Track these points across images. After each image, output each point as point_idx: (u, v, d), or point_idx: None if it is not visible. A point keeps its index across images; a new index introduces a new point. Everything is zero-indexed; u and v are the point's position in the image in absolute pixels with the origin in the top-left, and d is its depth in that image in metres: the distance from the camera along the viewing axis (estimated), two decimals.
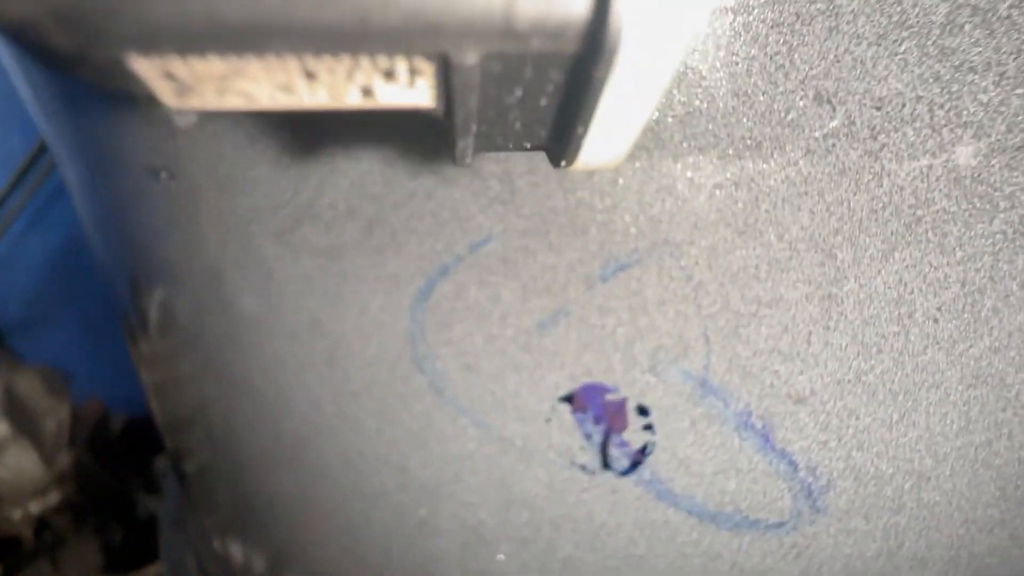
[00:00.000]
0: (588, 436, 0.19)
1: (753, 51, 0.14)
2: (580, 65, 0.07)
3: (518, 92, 0.08)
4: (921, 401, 0.18)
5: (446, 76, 0.08)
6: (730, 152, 0.15)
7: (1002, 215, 0.16)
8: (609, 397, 0.18)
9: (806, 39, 0.14)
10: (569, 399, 0.19)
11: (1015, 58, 0.14)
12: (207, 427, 0.30)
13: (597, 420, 0.18)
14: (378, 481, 0.23)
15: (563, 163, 0.10)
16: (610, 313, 0.17)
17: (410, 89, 0.08)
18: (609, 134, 0.09)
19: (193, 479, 0.36)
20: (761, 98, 0.15)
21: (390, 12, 0.06)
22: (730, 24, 0.14)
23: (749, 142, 0.15)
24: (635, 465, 0.19)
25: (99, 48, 0.07)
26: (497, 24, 0.07)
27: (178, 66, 0.08)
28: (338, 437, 0.23)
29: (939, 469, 0.19)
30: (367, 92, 0.09)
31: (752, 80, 0.15)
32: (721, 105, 0.15)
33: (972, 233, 0.16)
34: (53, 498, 0.97)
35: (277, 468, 0.26)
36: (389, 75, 0.08)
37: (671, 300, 0.17)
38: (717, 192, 0.16)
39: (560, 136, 0.09)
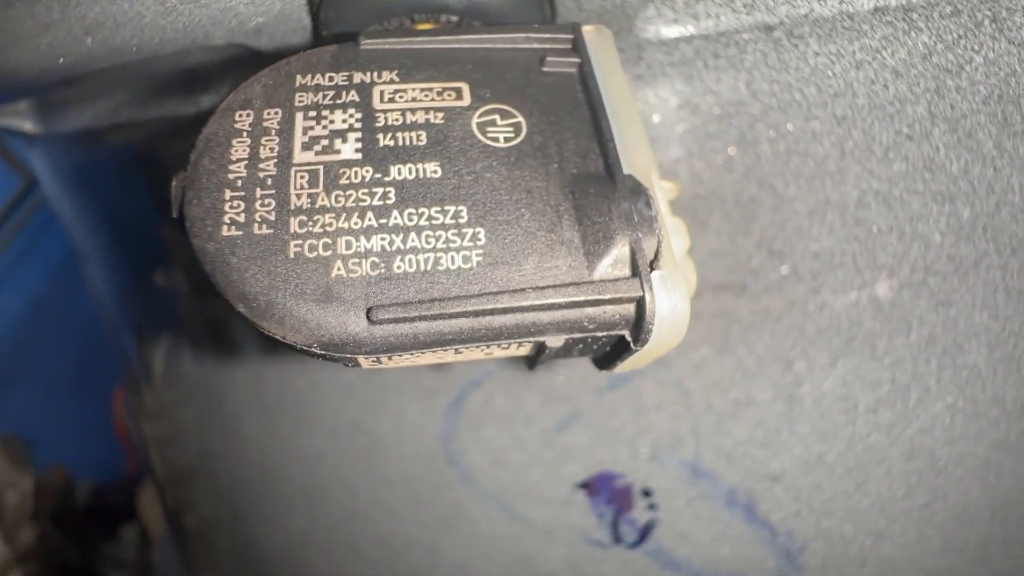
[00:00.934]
0: (601, 516, 0.23)
1: (724, 223, 0.19)
2: (624, 340, 0.12)
3: (579, 347, 0.13)
4: (871, 474, 0.23)
5: (540, 348, 0.13)
6: (708, 293, 0.20)
7: (915, 331, 0.21)
8: (618, 483, 0.22)
9: (760, 213, 0.19)
10: (584, 485, 0.22)
11: (911, 223, 0.19)
12: (211, 480, 0.32)
13: (608, 502, 0.22)
14: (411, 560, 0.26)
15: (603, 371, 0.15)
16: (616, 415, 0.22)
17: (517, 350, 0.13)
18: (637, 361, 0.13)
19: (193, 535, 0.38)
20: (730, 255, 0.20)
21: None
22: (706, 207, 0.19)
23: (722, 285, 0.20)
24: (642, 539, 0.23)
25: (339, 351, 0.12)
26: (580, 327, 0.11)
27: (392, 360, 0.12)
28: (373, 521, 0.26)
29: (892, 528, 0.24)
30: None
31: (722, 242, 0.20)
32: (703, 260, 0.20)
33: (895, 344, 0.21)
34: None
35: (308, 548, 0.29)
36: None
37: (666, 403, 0.21)
38: (699, 321, 0.20)
39: (605, 363, 0.14)
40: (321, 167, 0.12)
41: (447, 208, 0.12)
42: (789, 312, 0.21)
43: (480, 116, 0.13)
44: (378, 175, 0.13)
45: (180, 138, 0.22)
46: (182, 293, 0.30)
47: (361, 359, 0.13)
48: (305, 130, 0.13)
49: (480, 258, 0.12)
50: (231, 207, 0.12)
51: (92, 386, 1.16)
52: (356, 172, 0.13)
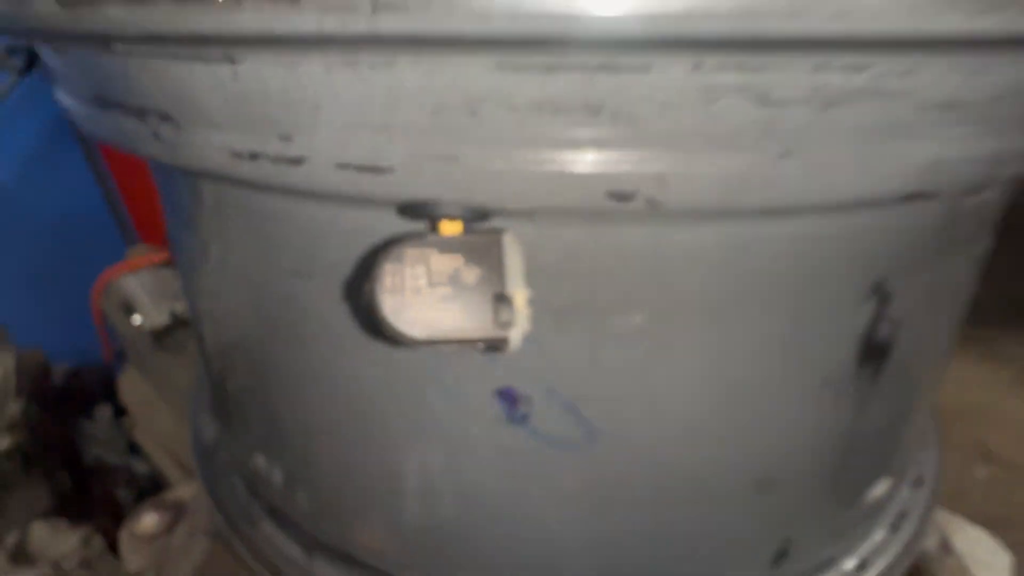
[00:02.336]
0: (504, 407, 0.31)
1: None
2: None
3: None
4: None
5: None
6: None
7: None
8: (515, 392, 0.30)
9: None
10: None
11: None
12: (250, 358, 0.37)
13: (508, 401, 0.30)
14: (382, 433, 0.34)
15: None
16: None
17: None
18: None
19: (232, 399, 0.42)
20: None
21: None
22: None
23: None
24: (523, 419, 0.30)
25: None
26: None
27: None
28: (357, 411, 0.34)
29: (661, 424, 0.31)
30: None
31: None
32: None
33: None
34: (3, 443, 1.02)
35: (314, 428, 0.37)
36: None
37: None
38: None
39: None
40: None
41: None
42: None
43: None
44: None
45: None
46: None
47: None
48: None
49: None
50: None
51: (66, 278, 1.21)
52: None
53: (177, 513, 0.48)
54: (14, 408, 1.04)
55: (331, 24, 0.14)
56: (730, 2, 0.13)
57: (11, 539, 1.11)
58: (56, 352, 1.37)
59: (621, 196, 0.16)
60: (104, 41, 0.20)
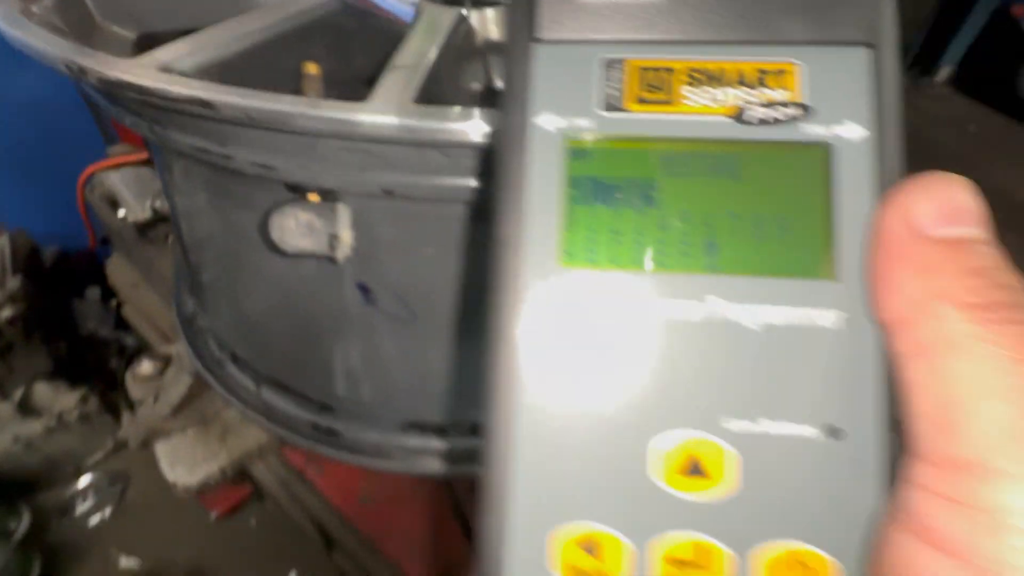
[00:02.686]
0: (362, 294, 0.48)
1: None
2: None
3: None
4: None
5: None
6: None
7: None
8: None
9: None
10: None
11: None
12: (216, 258, 0.52)
13: (363, 290, 0.48)
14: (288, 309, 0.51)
15: None
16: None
17: None
18: None
19: (205, 285, 0.56)
20: None
21: None
22: None
23: None
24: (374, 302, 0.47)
25: None
26: None
27: None
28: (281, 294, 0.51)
29: None
30: None
31: None
32: None
33: None
34: (4, 314, 1.18)
35: (265, 315, 0.53)
36: None
37: None
38: None
39: None
40: None
41: None
42: None
43: None
44: None
45: None
46: None
47: None
48: None
49: None
50: None
51: (49, 168, 1.30)
52: None
53: (167, 361, 0.66)
54: (13, 283, 1.19)
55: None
56: None
57: (17, 394, 1.31)
58: (42, 237, 1.49)
59: (388, 191, 0.31)
60: None
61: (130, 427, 0.73)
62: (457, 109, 0.23)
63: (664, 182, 0.17)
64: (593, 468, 0.16)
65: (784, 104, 0.16)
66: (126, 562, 1.32)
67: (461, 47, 0.36)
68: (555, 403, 0.16)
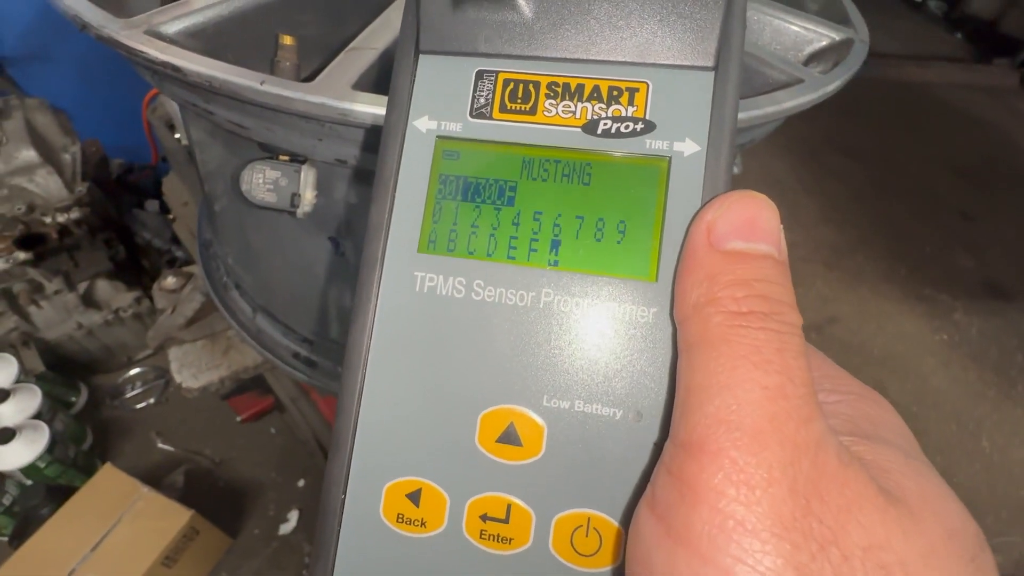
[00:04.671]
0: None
1: None
2: None
3: None
4: None
5: None
6: None
7: None
8: None
9: None
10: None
11: None
12: (226, 191, 0.57)
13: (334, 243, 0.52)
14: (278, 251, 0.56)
15: None
16: None
17: None
18: None
19: (216, 215, 0.64)
20: None
21: None
22: None
23: None
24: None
25: None
26: None
27: None
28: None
29: None
30: None
31: None
32: None
33: None
34: (73, 215, 1.29)
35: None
36: None
37: None
38: None
39: None
40: None
41: None
42: None
43: None
44: None
45: None
46: None
47: None
48: None
49: None
50: None
51: (122, 82, 1.37)
52: None
53: (187, 278, 0.74)
54: (81, 189, 1.30)
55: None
56: None
57: (82, 287, 1.44)
58: (111, 150, 1.60)
59: (341, 160, 0.34)
60: None
61: (151, 331, 0.82)
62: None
63: (523, 184, 0.18)
64: (428, 432, 0.18)
65: (632, 119, 0.18)
66: (163, 445, 1.48)
67: None
68: (401, 373, 0.18)
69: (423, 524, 0.18)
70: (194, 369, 0.70)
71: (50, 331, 1.46)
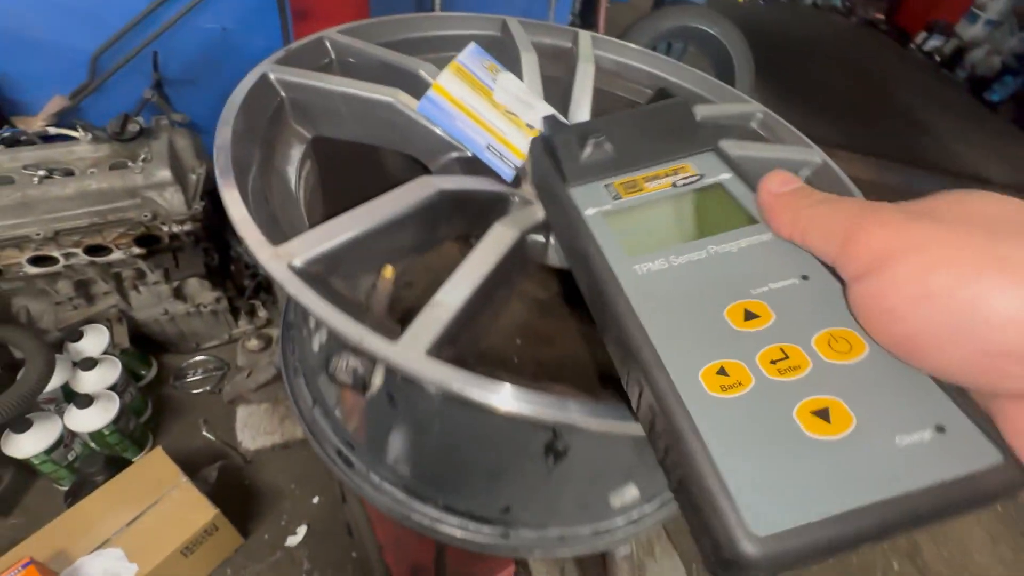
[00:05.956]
0: None
1: None
2: None
3: None
4: None
5: None
6: None
7: None
8: None
9: None
10: None
11: None
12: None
13: None
14: None
15: None
16: None
17: None
18: None
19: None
20: None
21: None
22: None
23: None
24: None
25: None
26: None
27: None
28: None
29: None
30: None
31: None
32: None
33: None
34: (186, 226, 1.45)
35: None
36: None
37: None
38: None
39: None
40: None
41: None
42: None
43: None
44: None
45: None
46: None
47: None
48: None
49: None
50: None
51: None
52: None
53: (267, 343, 0.83)
54: (199, 206, 1.45)
55: None
56: None
57: (176, 283, 1.59)
58: None
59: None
60: None
61: (227, 387, 0.91)
62: (461, 374, 0.31)
63: (660, 217, 0.32)
64: (700, 332, 0.25)
65: (692, 175, 0.34)
66: (206, 433, 1.60)
67: (514, 268, 0.44)
68: (671, 324, 0.25)
69: (740, 384, 0.23)
70: (253, 432, 0.78)
71: (141, 312, 1.63)
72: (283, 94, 0.56)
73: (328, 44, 0.65)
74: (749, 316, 0.25)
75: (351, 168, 0.66)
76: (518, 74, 0.68)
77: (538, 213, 0.48)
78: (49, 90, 1.55)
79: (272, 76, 0.56)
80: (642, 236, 0.30)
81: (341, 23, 1.07)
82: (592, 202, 0.33)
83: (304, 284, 0.35)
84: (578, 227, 0.32)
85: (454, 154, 0.59)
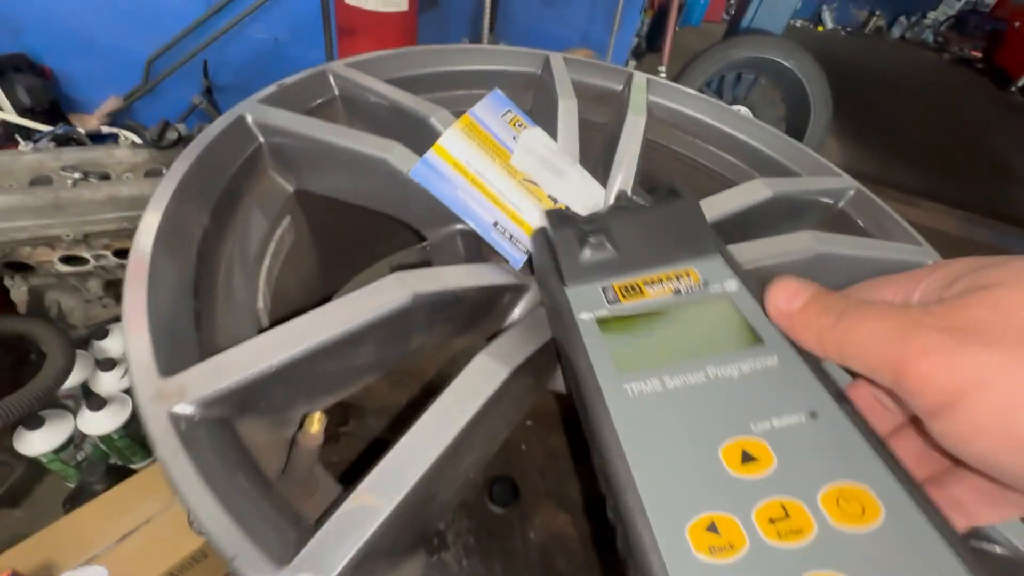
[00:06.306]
0: None
1: None
2: None
3: None
4: None
5: None
6: None
7: None
8: None
9: None
10: None
11: None
12: None
13: None
14: None
15: None
16: None
17: None
18: None
19: None
20: None
21: None
22: None
23: None
24: None
25: None
26: None
27: None
28: None
29: None
30: None
31: None
32: None
33: None
34: None
35: None
36: None
37: None
38: None
39: None
40: None
41: None
42: None
43: None
44: None
45: None
46: None
47: None
48: None
49: None
50: None
51: None
52: None
53: None
54: None
55: None
56: None
57: None
58: None
59: None
60: None
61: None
62: None
63: (658, 328, 0.29)
64: (691, 474, 0.22)
65: (696, 284, 0.31)
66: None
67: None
68: (655, 460, 0.23)
69: (732, 547, 0.20)
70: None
71: None
72: (261, 139, 0.47)
73: (331, 79, 0.55)
74: (747, 458, 0.22)
75: (342, 220, 0.56)
76: (554, 124, 0.56)
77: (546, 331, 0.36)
78: (105, 90, 1.57)
79: (250, 118, 0.46)
80: (637, 349, 0.28)
81: (387, 45, 0.97)
82: (587, 305, 0.31)
83: (180, 446, 0.25)
84: (571, 333, 0.29)
85: (458, 226, 0.47)
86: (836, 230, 0.55)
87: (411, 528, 0.28)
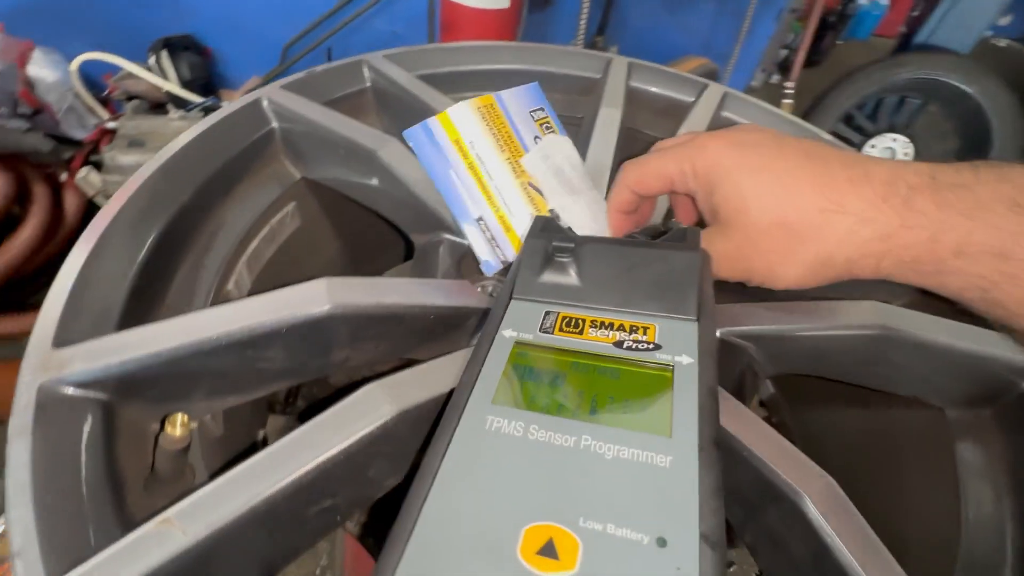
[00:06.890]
0: None
1: None
2: None
3: None
4: None
5: None
6: None
7: None
8: None
9: None
10: None
11: None
12: None
13: None
14: None
15: None
16: None
17: None
18: None
19: None
20: None
21: None
22: None
23: None
24: None
25: None
26: None
27: None
28: None
29: None
30: None
31: None
32: None
33: None
34: None
35: None
36: None
37: None
38: None
39: None
40: None
41: None
42: None
43: None
44: None
45: None
46: None
47: None
48: None
49: None
50: None
51: None
52: None
53: None
54: None
55: None
56: None
57: None
58: None
59: None
60: None
61: None
62: None
63: (570, 374, 0.26)
64: (476, 542, 0.19)
65: (646, 342, 0.27)
66: None
67: None
68: (461, 490, 0.21)
69: None
70: None
71: None
72: (274, 124, 0.47)
73: (365, 70, 0.54)
74: (548, 551, 0.19)
75: (356, 219, 0.55)
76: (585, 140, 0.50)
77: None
78: (249, 70, 1.77)
79: (265, 103, 0.47)
80: (527, 386, 0.25)
81: (483, 39, 0.96)
82: (519, 324, 0.28)
83: (30, 427, 0.24)
84: (483, 343, 0.27)
85: (444, 236, 0.44)
86: None
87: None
